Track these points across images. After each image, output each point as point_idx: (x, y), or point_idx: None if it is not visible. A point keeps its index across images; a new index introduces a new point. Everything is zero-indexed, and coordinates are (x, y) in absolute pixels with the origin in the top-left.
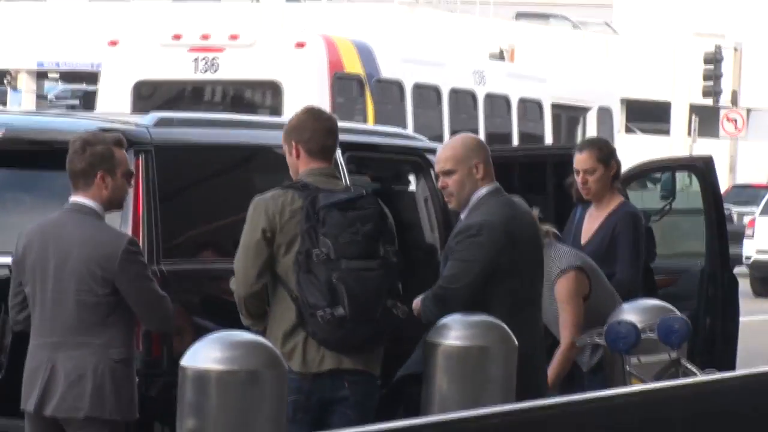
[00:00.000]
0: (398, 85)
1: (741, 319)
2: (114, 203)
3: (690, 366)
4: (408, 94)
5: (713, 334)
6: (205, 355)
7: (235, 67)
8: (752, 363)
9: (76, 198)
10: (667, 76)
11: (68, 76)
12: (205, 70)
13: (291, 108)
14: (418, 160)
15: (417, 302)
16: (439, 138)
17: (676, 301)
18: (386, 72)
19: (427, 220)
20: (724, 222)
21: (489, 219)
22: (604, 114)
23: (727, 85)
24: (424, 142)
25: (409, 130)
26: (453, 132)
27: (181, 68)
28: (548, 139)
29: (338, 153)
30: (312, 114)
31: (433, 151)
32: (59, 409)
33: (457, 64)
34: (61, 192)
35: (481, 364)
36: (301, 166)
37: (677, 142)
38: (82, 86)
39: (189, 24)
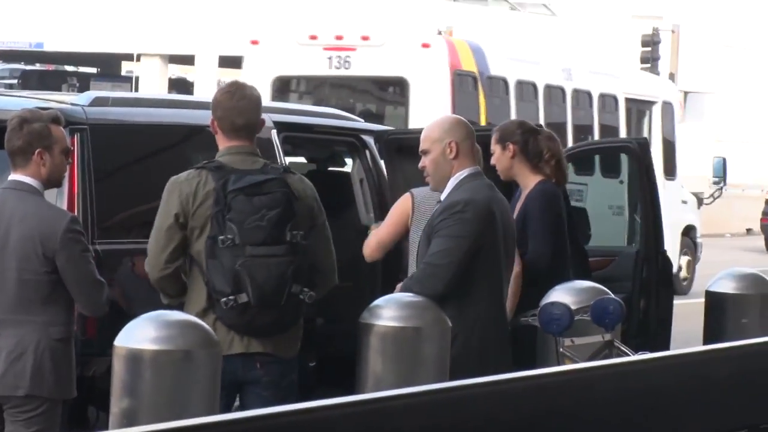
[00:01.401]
0: (504, 81)
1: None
2: (53, 181)
3: (623, 347)
4: (512, 89)
5: (648, 316)
6: (139, 334)
7: (366, 64)
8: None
9: (15, 176)
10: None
11: (7, 56)
12: (339, 67)
13: (416, 102)
14: (354, 141)
15: (399, 288)
16: None
17: (611, 283)
18: (494, 70)
19: (363, 200)
20: (659, 204)
21: (473, 197)
22: (667, 108)
23: (664, 67)
24: (360, 122)
25: None
26: (548, 124)
27: (316, 65)
28: (622, 132)
29: (273, 133)
30: (228, 92)
31: (369, 132)
32: None
33: (549, 62)
34: (2, 170)
35: (415, 345)
36: (220, 143)
37: None
38: (20, 66)
39: (324, 25)
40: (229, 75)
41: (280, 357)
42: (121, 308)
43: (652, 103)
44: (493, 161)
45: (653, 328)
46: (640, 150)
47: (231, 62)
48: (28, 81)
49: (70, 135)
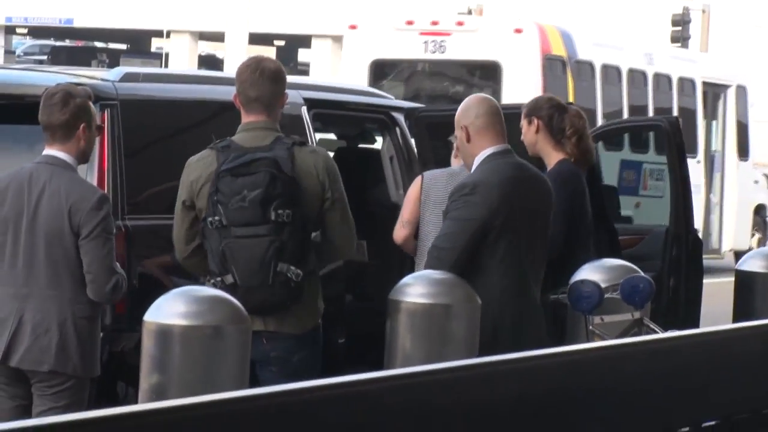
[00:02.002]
0: (590, 66)
1: None
2: (86, 157)
3: (652, 326)
4: (597, 73)
5: (677, 295)
6: (168, 310)
7: (460, 49)
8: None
9: (51, 151)
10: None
11: (37, 32)
12: (434, 51)
13: (509, 85)
14: (384, 118)
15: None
16: (619, 113)
17: (640, 261)
18: (582, 54)
19: (392, 178)
20: (689, 183)
21: (484, 178)
22: (741, 91)
23: (694, 47)
24: (390, 100)
25: (599, 105)
26: (630, 107)
27: (412, 49)
28: (699, 115)
29: (303, 110)
30: (246, 65)
31: (399, 110)
32: (24, 361)
33: (632, 47)
34: (29, 145)
35: (445, 322)
36: (242, 118)
37: None
38: (50, 41)
39: (420, 11)
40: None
41: (287, 333)
42: (151, 284)
43: (726, 86)
44: (522, 137)
45: (682, 307)
46: (670, 128)
47: (261, 39)
48: (57, 57)
49: (100, 111)
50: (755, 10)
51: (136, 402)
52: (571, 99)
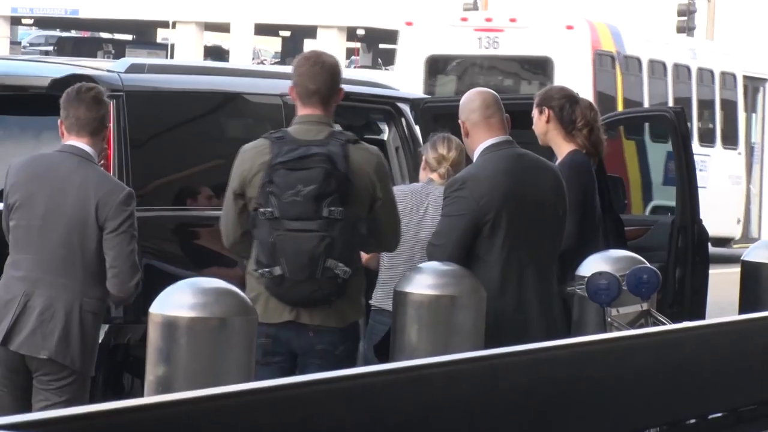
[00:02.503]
0: (638, 60)
1: None
2: (101, 157)
3: (659, 317)
4: (644, 67)
5: (683, 286)
6: (174, 301)
7: (513, 45)
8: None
9: (77, 143)
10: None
11: (42, 23)
12: (488, 47)
13: (560, 80)
14: (389, 109)
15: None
16: (665, 105)
17: (646, 252)
18: (630, 49)
19: (398, 168)
20: (695, 174)
21: (474, 172)
22: None
23: (700, 37)
24: (396, 91)
25: (645, 99)
26: (675, 99)
27: (467, 45)
28: (740, 108)
29: None
30: (306, 57)
31: (405, 100)
32: (23, 345)
33: (676, 42)
34: (35, 136)
35: (452, 313)
36: (297, 110)
37: None
38: (55, 32)
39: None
40: (264, 43)
41: (332, 327)
42: (157, 275)
43: (765, 80)
44: (533, 126)
45: (689, 298)
46: (676, 119)
47: (266, 30)
48: (63, 48)
49: None
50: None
51: (142, 394)
52: (619, 92)
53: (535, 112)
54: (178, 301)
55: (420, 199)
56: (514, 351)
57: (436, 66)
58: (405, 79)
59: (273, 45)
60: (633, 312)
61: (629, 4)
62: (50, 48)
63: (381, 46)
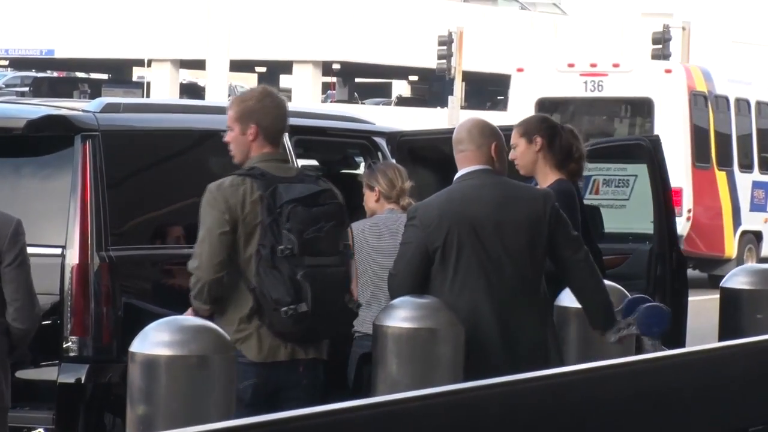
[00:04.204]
0: (726, 99)
1: None
2: None
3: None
4: (731, 105)
5: None
6: (154, 340)
7: (616, 87)
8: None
9: None
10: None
11: (18, 63)
12: (593, 90)
13: (660, 118)
14: (365, 143)
15: None
16: (749, 137)
17: (625, 280)
18: (719, 89)
19: None
20: (672, 201)
21: (427, 202)
22: None
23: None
24: (371, 125)
25: (733, 133)
26: (759, 131)
27: (573, 88)
28: None
29: (285, 136)
30: (271, 98)
31: (381, 134)
32: None
33: (758, 82)
34: (10, 177)
35: (430, 346)
36: (254, 149)
37: None
38: (31, 73)
39: (580, 54)
40: (240, 79)
41: (320, 360)
42: (135, 315)
43: None
44: (513, 156)
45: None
46: (652, 147)
47: (242, 66)
48: (39, 88)
49: (81, 142)
50: (734, 26)
51: None
52: (711, 128)
53: (520, 142)
54: (157, 339)
55: (387, 228)
56: (491, 383)
57: (545, 108)
58: (517, 121)
59: (249, 81)
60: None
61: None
62: (26, 89)
63: (357, 80)
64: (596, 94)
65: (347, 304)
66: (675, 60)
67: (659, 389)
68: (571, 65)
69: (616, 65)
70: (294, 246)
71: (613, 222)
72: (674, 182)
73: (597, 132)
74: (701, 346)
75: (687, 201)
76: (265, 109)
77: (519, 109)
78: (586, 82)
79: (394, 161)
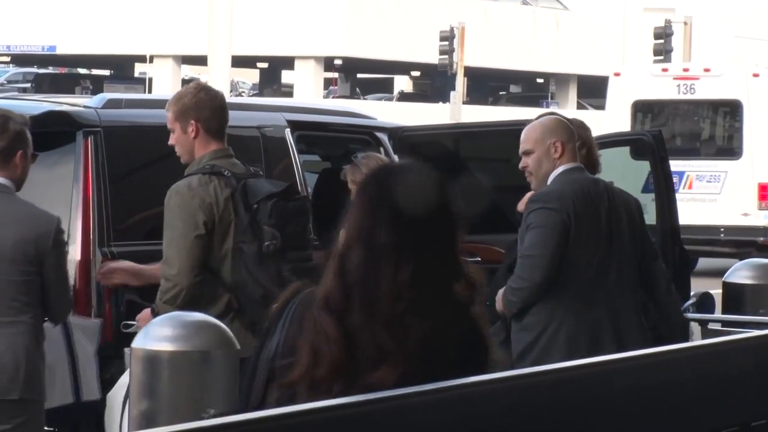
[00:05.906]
0: None
1: None
2: (21, 184)
3: None
4: None
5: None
6: (156, 335)
7: (707, 90)
8: None
9: None
10: (618, 51)
11: (20, 60)
12: (685, 93)
13: (748, 119)
14: (367, 139)
15: (499, 297)
16: None
17: None
18: None
19: None
20: (674, 196)
21: (558, 188)
22: None
23: (677, 59)
24: (373, 120)
25: None
26: None
27: (667, 91)
28: None
29: (287, 132)
30: (206, 91)
31: (383, 130)
32: None
33: None
34: None
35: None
36: (199, 146)
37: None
38: (33, 69)
39: (673, 60)
40: (242, 75)
41: None
42: (138, 310)
43: None
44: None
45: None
46: (654, 143)
47: (244, 62)
48: (41, 84)
49: (83, 137)
50: (736, 21)
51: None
52: None
53: None
54: (160, 334)
55: None
56: (494, 378)
57: (640, 109)
58: (614, 121)
59: (251, 77)
60: None
61: (604, 26)
62: (28, 85)
63: (359, 75)
64: (688, 96)
65: None
66: (676, 54)
67: (662, 383)
68: (665, 70)
69: (707, 70)
70: (277, 241)
71: None
72: (764, 178)
73: (688, 132)
74: (705, 341)
75: None
76: (201, 102)
77: (616, 110)
78: (678, 86)
79: (378, 154)
